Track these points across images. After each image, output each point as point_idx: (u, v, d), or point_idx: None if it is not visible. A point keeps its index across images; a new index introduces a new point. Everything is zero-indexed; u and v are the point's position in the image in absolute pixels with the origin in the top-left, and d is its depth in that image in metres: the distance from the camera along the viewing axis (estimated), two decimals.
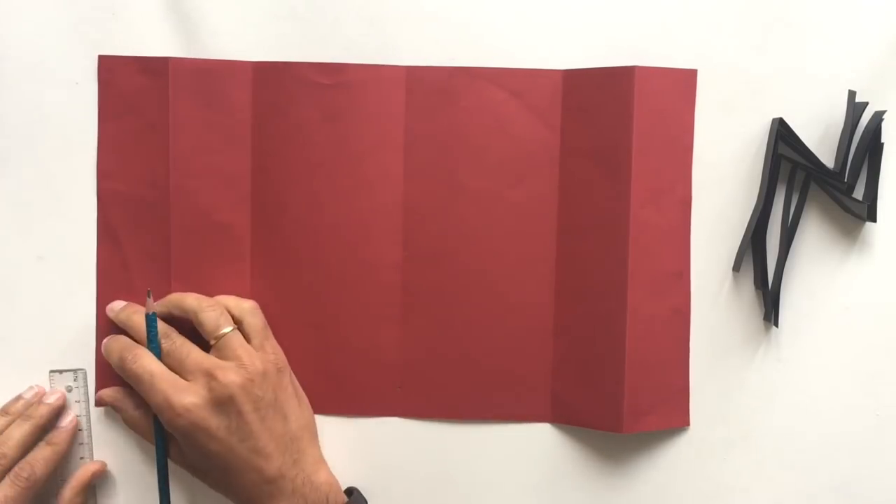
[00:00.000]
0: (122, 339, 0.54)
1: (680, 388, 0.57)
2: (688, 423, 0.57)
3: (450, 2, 0.56)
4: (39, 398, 0.55)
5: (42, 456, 0.54)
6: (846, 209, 0.56)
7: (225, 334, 0.53)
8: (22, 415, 0.54)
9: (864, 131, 0.56)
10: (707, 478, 0.57)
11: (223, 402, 0.51)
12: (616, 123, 0.55)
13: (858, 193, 0.57)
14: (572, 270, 0.56)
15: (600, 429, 0.56)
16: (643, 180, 0.55)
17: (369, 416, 0.57)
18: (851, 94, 0.55)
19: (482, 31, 0.56)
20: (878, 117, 0.56)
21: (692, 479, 0.57)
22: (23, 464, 0.53)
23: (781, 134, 0.55)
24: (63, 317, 0.56)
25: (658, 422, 0.57)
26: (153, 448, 0.55)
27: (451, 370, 0.57)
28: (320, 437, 0.57)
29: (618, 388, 0.55)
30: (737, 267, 0.57)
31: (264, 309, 0.56)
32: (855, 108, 0.55)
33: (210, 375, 0.51)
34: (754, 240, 0.56)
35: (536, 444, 0.58)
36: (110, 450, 0.57)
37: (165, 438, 0.54)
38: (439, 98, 0.56)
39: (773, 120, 0.56)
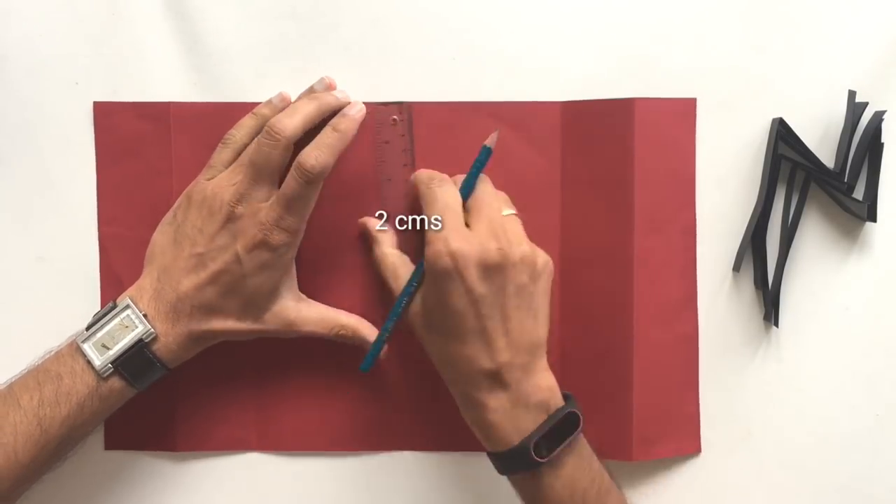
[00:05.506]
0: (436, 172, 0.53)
1: (690, 415, 0.57)
2: (699, 450, 0.57)
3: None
4: (329, 89, 0.53)
5: (328, 142, 0.49)
6: (846, 209, 0.56)
7: (510, 214, 0.51)
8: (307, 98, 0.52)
9: (864, 131, 0.56)
10: (707, 477, 0.57)
11: (491, 268, 0.48)
12: (617, 155, 0.55)
13: (858, 193, 0.57)
14: (576, 301, 0.56)
15: (610, 458, 0.55)
16: (646, 210, 0.55)
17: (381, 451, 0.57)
18: (851, 94, 0.55)
19: (481, 34, 0.56)
20: (878, 117, 0.56)
21: (692, 478, 0.57)
22: (307, 152, 0.49)
23: (781, 134, 0.55)
24: (63, 317, 0.56)
25: (668, 450, 0.56)
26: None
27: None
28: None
29: (626, 417, 0.55)
30: (737, 267, 0.57)
31: (265, 349, 0.55)
32: (855, 108, 0.55)
33: (497, 237, 0.49)
34: (754, 240, 0.56)
35: None
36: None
37: (419, 283, 0.51)
38: (440, 132, 0.55)
39: (773, 120, 0.56)
